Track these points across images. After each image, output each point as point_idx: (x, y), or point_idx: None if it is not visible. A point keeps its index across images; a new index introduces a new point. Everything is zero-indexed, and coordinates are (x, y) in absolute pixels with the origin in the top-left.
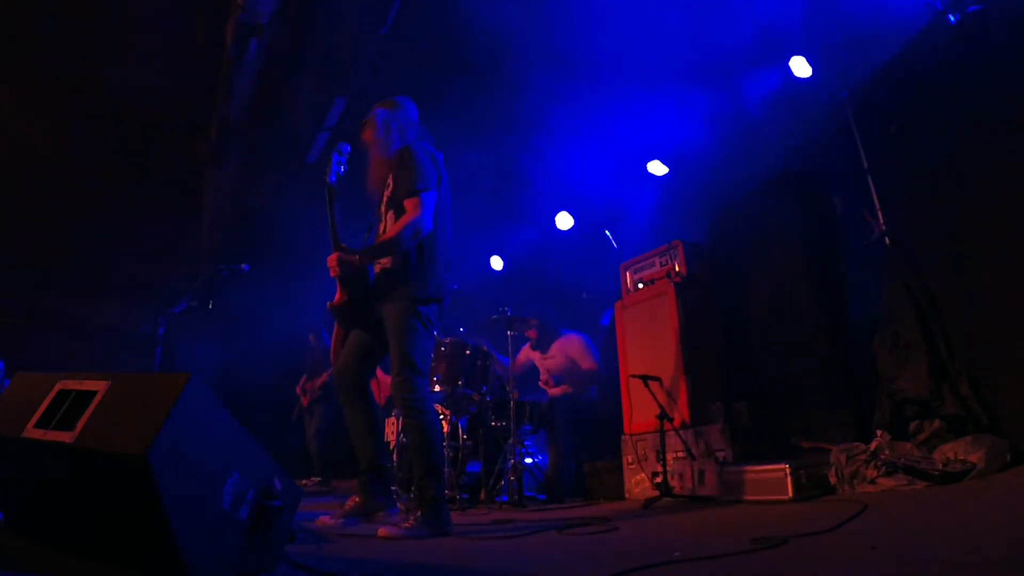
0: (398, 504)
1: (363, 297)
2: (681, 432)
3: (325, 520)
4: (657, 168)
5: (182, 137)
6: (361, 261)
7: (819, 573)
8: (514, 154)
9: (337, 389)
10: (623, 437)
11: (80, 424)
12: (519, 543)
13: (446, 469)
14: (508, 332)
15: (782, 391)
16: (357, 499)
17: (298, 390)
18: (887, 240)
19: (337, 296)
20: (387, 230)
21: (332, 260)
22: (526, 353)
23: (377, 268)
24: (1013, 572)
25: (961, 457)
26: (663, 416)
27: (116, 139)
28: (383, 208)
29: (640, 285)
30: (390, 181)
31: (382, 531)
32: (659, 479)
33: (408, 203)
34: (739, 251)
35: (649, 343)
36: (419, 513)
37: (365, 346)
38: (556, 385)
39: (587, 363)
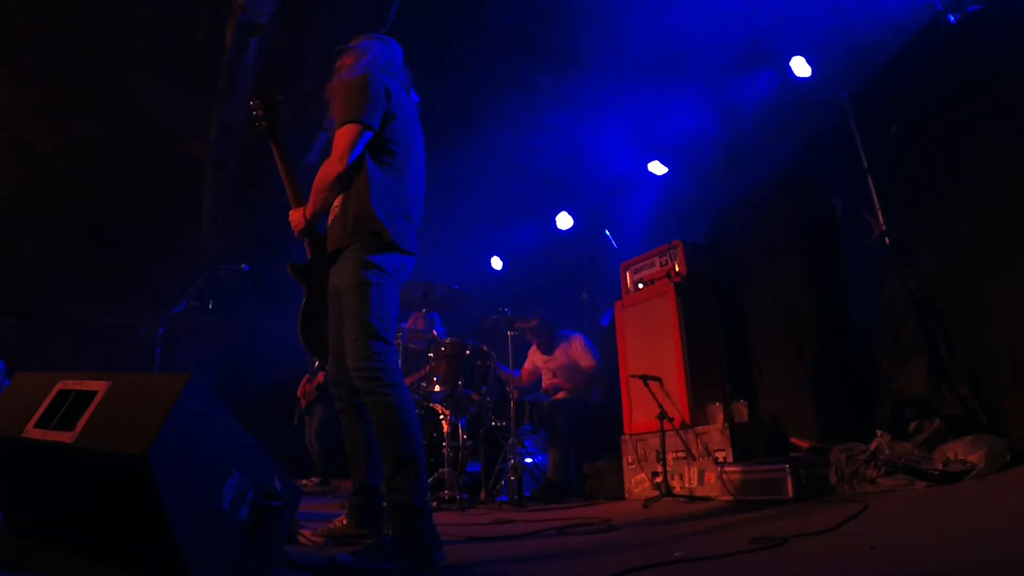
0: None
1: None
2: (681, 432)
3: (307, 534)
4: (657, 168)
5: (182, 137)
6: (306, 216)
7: (819, 573)
8: (514, 153)
9: (335, 398)
10: (623, 437)
11: (80, 424)
12: (519, 544)
13: (445, 469)
14: (508, 332)
15: (782, 391)
16: (344, 519)
17: (298, 392)
18: (887, 240)
19: (308, 254)
20: None
21: (294, 214)
22: (532, 360)
23: (330, 220)
24: (1013, 572)
25: (961, 457)
26: (663, 416)
27: (116, 138)
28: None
29: (640, 285)
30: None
31: (339, 557)
32: (659, 479)
33: (337, 136)
34: (739, 251)
35: (649, 343)
36: (388, 532)
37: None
38: (557, 392)
39: (587, 361)
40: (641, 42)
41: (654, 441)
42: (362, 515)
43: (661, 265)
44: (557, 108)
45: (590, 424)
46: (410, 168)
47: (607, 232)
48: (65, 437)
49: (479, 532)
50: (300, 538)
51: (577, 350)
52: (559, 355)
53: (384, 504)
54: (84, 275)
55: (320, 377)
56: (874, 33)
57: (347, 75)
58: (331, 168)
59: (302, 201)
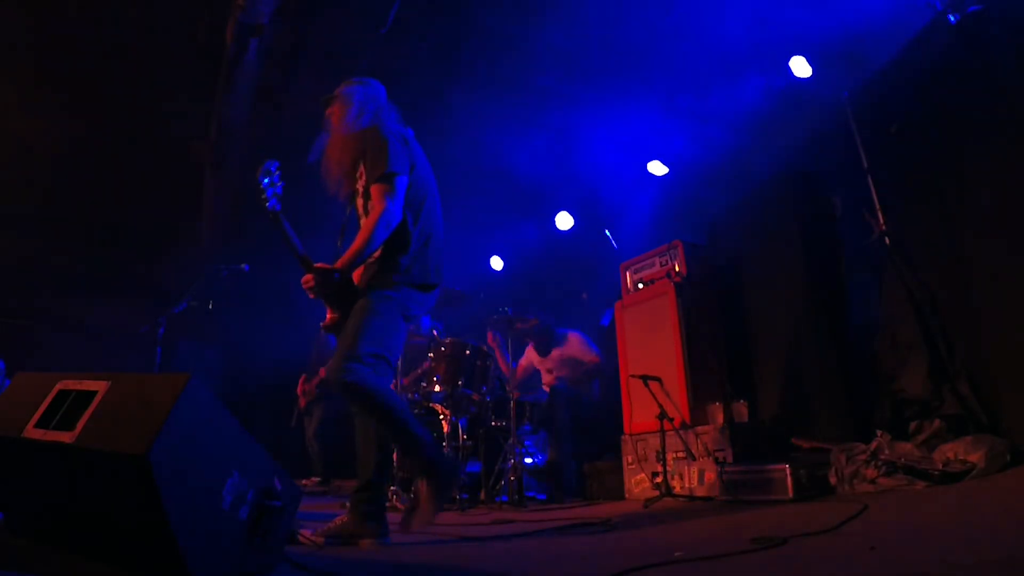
0: (398, 504)
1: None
2: (681, 432)
3: (307, 534)
4: (657, 168)
5: (182, 137)
6: (342, 276)
7: (819, 573)
8: (514, 153)
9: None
10: (623, 437)
11: (80, 424)
12: (519, 543)
13: None
14: (508, 332)
15: (782, 391)
16: (345, 517)
17: (298, 391)
18: (887, 240)
19: (328, 315)
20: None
21: (307, 281)
22: (528, 357)
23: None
24: (1013, 572)
25: (961, 457)
26: (663, 416)
27: (116, 138)
28: (360, 201)
29: (640, 285)
30: (362, 169)
31: (413, 526)
32: (659, 479)
33: (375, 190)
34: (739, 251)
35: (649, 343)
36: (424, 487)
37: None
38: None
39: (589, 357)
40: (642, 42)
41: (654, 441)
42: (365, 512)
43: (661, 265)
44: (557, 108)
45: (589, 422)
46: (427, 204)
47: (607, 232)
48: (65, 437)
49: (479, 532)
50: (300, 538)
51: (575, 348)
52: (555, 356)
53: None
54: (84, 275)
55: (322, 372)
56: (874, 33)
57: (347, 129)
58: (382, 226)
59: (310, 264)
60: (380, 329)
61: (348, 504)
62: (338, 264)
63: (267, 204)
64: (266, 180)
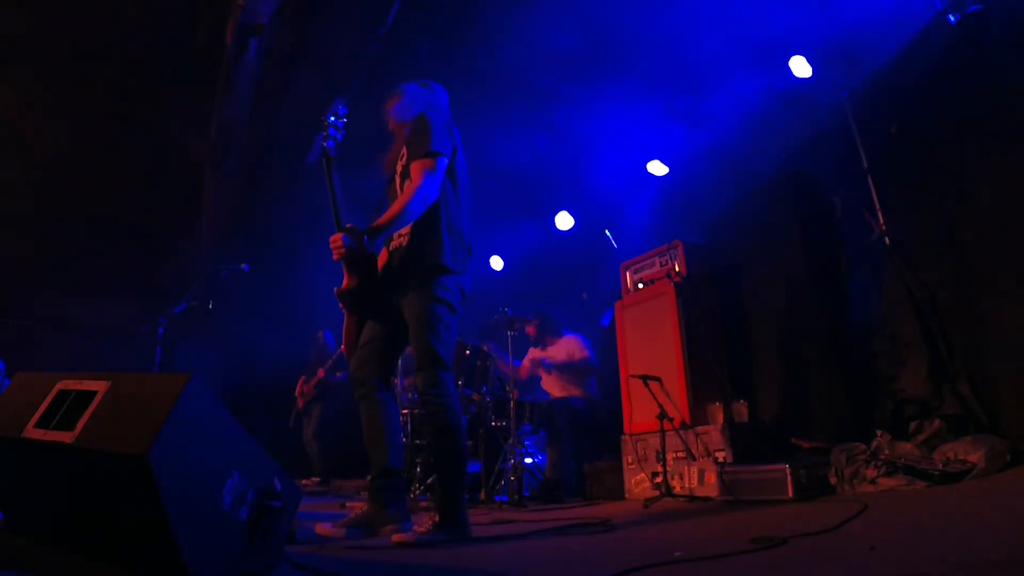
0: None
1: (373, 281)
2: (681, 432)
3: (325, 527)
4: (657, 168)
5: (182, 137)
6: (370, 240)
7: (819, 573)
8: (514, 154)
9: (354, 385)
10: (623, 437)
11: (80, 424)
12: (519, 544)
13: None
14: (508, 332)
15: (782, 391)
16: (364, 507)
17: (296, 392)
18: (887, 240)
19: (344, 281)
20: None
21: (335, 240)
22: (530, 355)
23: (390, 247)
24: (1013, 572)
25: (961, 457)
26: (663, 416)
27: (116, 138)
28: (398, 180)
29: (640, 285)
30: (404, 151)
31: (396, 537)
32: (659, 479)
33: (415, 167)
34: (739, 251)
35: (649, 343)
36: (437, 517)
37: (383, 339)
38: (550, 371)
39: (580, 354)
40: (642, 42)
41: (654, 441)
42: (385, 498)
43: (661, 265)
44: (557, 108)
45: (589, 422)
46: (464, 195)
47: (607, 232)
48: (65, 437)
49: (479, 532)
50: (318, 529)
51: (571, 344)
52: (552, 351)
53: (432, 496)
54: (84, 275)
55: (321, 373)
56: (874, 33)
57: (401, 117)
58: (419, 199)
59: (342, 224)
60: (448, 337)
61: (368, 493)
62: (370, 228)
63: (326, 143)
64: (332, 118)
